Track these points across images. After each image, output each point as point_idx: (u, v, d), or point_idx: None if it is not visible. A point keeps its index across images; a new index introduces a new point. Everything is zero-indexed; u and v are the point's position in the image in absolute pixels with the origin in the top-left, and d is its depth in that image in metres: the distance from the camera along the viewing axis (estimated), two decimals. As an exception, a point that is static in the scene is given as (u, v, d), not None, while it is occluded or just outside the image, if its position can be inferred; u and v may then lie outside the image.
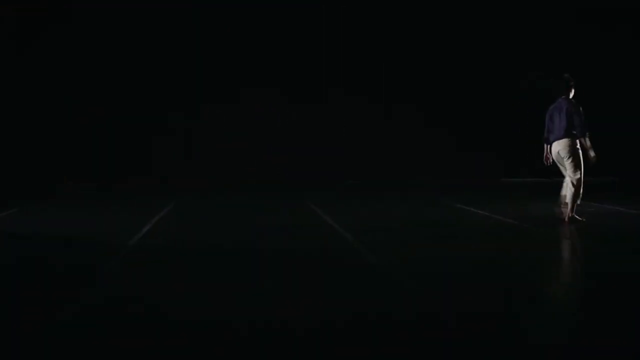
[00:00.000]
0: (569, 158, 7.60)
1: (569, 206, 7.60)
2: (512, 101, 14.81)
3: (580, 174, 7.61)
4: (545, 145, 7.86)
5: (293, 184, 13.88)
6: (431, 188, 13.06)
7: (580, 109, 7.73)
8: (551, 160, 7.87)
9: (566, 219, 7.57)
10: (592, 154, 7.59)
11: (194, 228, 8.00)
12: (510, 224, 7.91)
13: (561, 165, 7.74)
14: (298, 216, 9.03)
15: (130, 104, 14.40)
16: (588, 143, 7.60)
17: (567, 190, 7.60)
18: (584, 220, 7.62)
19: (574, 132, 7.59)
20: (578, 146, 7.63)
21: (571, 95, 7.84)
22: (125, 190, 13.24)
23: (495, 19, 15.12)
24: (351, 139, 14.93)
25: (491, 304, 4.17)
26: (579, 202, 7.64)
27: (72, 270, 5.39)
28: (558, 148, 7.67)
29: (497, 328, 3.67)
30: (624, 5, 15.05)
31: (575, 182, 7.57)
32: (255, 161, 14.65)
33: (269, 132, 14.82)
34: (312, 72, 14.95)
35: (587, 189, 7.76)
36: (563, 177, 7.70)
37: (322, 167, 14.68)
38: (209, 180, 14.27)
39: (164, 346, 3.39)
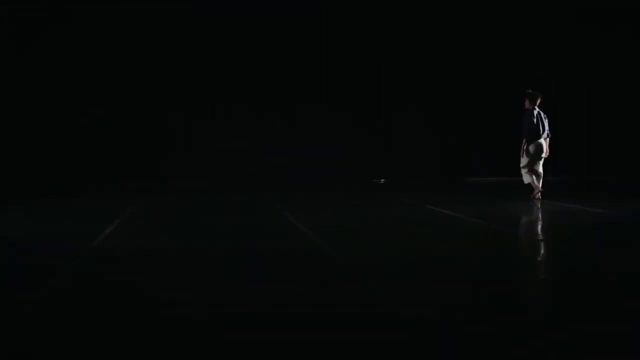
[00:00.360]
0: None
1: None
2: (511, 101, 14.73)
3: None
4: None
5: (280, 185, 13.90)
6: (415, 189, 13.11)
7: None
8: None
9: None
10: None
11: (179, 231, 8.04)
12: (483, 224, 8.00)
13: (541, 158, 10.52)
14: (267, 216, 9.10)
15: (130, 104, 14.39)
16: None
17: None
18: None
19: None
20: None
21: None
22: (125, 190, 13.23)
23: (494, 19, 15.11)
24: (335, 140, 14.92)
25: (473, 305, 4.19)
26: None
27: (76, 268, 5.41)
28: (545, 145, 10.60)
29: (478, 326, 3.68)
30: (624, 5, 15.05)
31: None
32: (255, 161, 14.64)
33: (269, 132, 14.81)
34: (311, 72, 14.93)
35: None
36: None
37: (315, 168, 14.68)
38: (209, 180, 14.26)
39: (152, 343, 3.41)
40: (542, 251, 6.29)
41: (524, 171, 10.64)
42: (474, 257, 5.85)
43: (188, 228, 7.88)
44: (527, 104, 10.70)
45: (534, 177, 10.54)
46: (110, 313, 4.05)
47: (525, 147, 10.60)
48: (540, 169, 10.53)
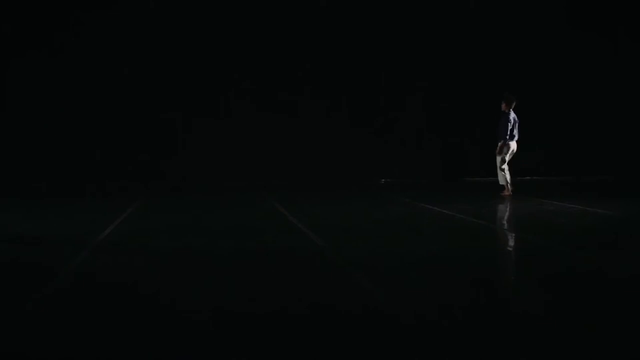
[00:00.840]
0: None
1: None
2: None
3: None
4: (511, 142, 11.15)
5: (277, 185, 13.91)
6: (399, 188, 13.16)
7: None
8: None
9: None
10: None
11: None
12: (483, 224, 8.06)
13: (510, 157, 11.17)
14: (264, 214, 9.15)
15: (130, 104, 14.37)
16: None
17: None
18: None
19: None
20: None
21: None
22: (125, 190, 13.24)
23: (494, 20, 15.14)
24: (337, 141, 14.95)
25: (472, 305, 4.21)
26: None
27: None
28: (515, 146, 11.19)
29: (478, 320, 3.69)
30: (621, 7, 15.14)
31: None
32: (255, 161, 14.65)
33: (269, 131, 14.81)
34: (311, 72, 14.93)
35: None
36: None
37: (315, 167, 14.73)
38: (209, 180, 14.28)
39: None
40: (541, 251, 6.30)
41: (500, 171, 11.35)
42: (474, 257, 5.88)
43: (188, 228, 7.88)
44: (503, 106, 11.27)
45: (508, 176, 11.25)
46: (110, 313, 4.06)
47: (500, 149, 11.21)
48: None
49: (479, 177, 14.68)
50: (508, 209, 9.70)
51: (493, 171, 11.81)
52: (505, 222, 8.51)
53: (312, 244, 6.53)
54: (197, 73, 14.58)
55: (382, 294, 4.45)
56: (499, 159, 11.31)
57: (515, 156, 11.40)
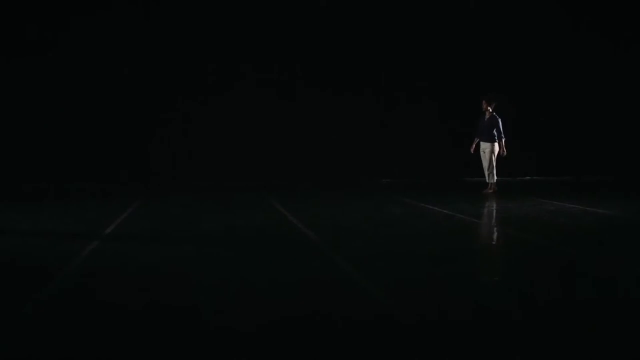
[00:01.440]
0: None
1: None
2: (510, 101, 14.77)
3: None
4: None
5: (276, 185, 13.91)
6: (397, 187, 13.14)
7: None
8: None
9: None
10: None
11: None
12: (484, 224, 8.08)
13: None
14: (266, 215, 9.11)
15: (130, 104, 14.38)
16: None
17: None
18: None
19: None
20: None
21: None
22: (125, 190, 13.25)
23: (495, 21, 15.17)
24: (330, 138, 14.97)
25: (472, 305, 4.21)
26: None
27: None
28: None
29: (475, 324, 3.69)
30: (623, 8, 15.17)
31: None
32: (255, 160, 14.66)
33: (270, 131, 14.81)
34: (311, 72, 14.94)
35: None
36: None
37: (316, 167, 14.75)
38: (209, 180, 14.29)
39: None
40: (541, 251, 6.30)
41: (493, 171, 11.59)
42: (474, 257, 5.89)
43: (188, 228, 7.89)
44: (484, 106, 11.51)
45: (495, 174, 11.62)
46: (110, 313, 4.06)
47: (498, 149, 11.49)
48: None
49: (479, 177, 14.69)
50: (508, 209, 9.68)
51: (496, 171, 11.92)
52: (505, 222, 8.49)
53: (312, 244, 6.53)
54: (197, 73, 14.59)
55: (382, 294, 4.45)
56: (492, 159, 11.53)
57: (507, 156, 11.80)
